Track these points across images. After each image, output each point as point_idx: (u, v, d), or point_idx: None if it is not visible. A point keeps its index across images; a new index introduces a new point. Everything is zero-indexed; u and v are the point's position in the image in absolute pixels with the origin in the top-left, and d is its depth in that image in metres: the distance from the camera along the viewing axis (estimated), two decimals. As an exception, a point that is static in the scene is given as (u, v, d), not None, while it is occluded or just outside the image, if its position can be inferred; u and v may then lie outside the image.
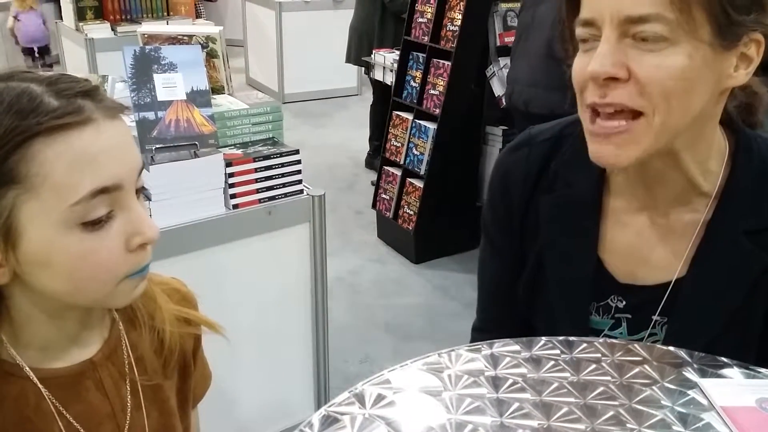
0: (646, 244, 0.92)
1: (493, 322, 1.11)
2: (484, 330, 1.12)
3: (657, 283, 0.92)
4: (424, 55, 3.41)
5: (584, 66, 0.79)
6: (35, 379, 0.78)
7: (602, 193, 0.95)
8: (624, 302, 0.94)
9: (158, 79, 1.65)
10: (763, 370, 0.77)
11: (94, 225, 0.71)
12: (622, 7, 0.74)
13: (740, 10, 0.75)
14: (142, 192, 0.78)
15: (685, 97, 0.77)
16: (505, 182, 1.01)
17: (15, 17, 6.46)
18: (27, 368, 0.78)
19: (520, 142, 1.02)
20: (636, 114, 0.78)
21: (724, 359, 0.79)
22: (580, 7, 0.81)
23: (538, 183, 0.97)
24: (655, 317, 0.92)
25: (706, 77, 0.77)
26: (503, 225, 1.02)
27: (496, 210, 1.03)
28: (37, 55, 6.78)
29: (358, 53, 4.54)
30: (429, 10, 3.37)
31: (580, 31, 0.80)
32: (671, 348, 0.81)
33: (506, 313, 1.07)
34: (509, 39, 3.13)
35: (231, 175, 1.77)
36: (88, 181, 0.69)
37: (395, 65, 3.69)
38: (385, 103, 3.80)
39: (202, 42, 1.98)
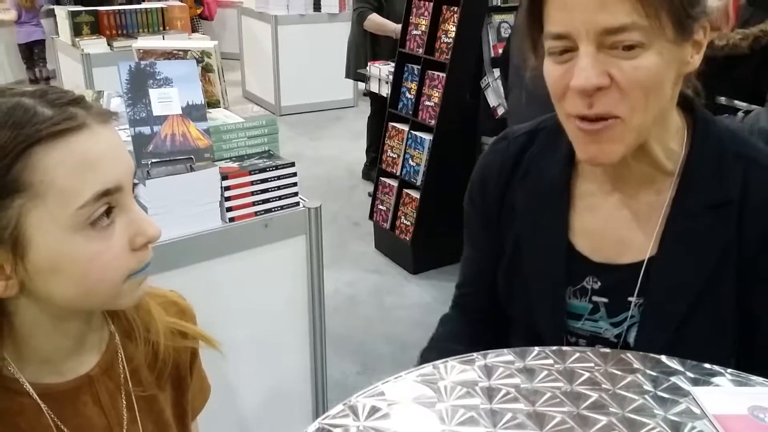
0: (617, 226, 0.95)
1: (469, 296, 1.15)
2: (458, 305, 1.17)
3: (630, 262, 0.94)
4: (419, 67, 3.43)
5: (560, 76, 0.82)
6: (35, 395, 0.79)
7: (571, 177, 0.98)
8: (599, 283, 0.96)
9: (154, 94, 1.65)
10: (755, 377, 0.78)
11: (100, 225, 0.73)
12: (598, 21, 0.77)
13: (694, 4, 0.81)
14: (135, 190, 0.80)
15: (660, 92, 0.82)
16: (482, 174, 1.06)
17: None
18: (27, 384, 0.78)
19: (500, 137, 1.07)
20: (616, 116, 0.82)
21: (716, 367, 0.79)
22: (543, 20, 0.83)
23: (513, 173, 1.02)
24: (632, 299, 0.94)
25: (672, 69, 0.83)
26: (481, 217, 1.06)
27: (474, 202, 1.07)
28: (35, 57, 6.89)
29: (357, 68, 4.54)
30: (423, 22, 3.40)
31: (551, 44, 0.83)
32: (663, 357, 0.82)
33: (483, 296, 1.10)
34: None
35: (227, 188, 1.77)
36: (91, 184, 0.72)
37: (390, 77, 3.71)
38: (384, 114, 3.82)
39: (197, 57, 1.99)
